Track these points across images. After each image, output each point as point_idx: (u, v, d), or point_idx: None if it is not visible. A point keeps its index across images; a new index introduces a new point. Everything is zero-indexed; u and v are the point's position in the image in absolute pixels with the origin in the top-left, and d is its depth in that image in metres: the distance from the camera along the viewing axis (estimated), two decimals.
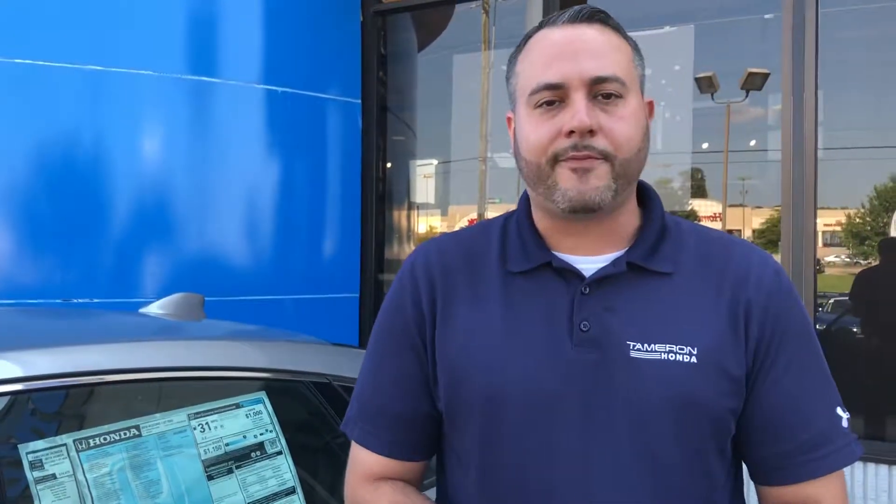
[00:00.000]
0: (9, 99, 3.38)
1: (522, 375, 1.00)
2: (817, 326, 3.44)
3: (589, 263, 1.04)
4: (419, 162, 5.12)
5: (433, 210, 5.24)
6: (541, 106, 1.00)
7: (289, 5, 4.03)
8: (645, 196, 1.10)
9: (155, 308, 2.26)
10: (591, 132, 0.97)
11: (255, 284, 3.82)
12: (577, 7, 1.03)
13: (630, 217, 1.07)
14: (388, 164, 4.76)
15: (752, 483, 1.08)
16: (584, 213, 0.99)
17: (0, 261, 3.35)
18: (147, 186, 3.59)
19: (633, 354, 0.98)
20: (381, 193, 4.63)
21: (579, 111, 0.97)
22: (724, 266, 1.04)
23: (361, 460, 1.13)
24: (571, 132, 0.97)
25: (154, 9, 3.61)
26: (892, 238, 3.84)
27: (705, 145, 4.52)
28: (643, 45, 1.08)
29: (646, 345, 0.98)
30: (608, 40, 1.01)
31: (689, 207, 4.72)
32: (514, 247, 1.08)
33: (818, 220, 3.47)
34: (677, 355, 0.97)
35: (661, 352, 0.98)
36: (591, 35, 1.01)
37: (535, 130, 1.00)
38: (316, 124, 4.12)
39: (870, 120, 4.06)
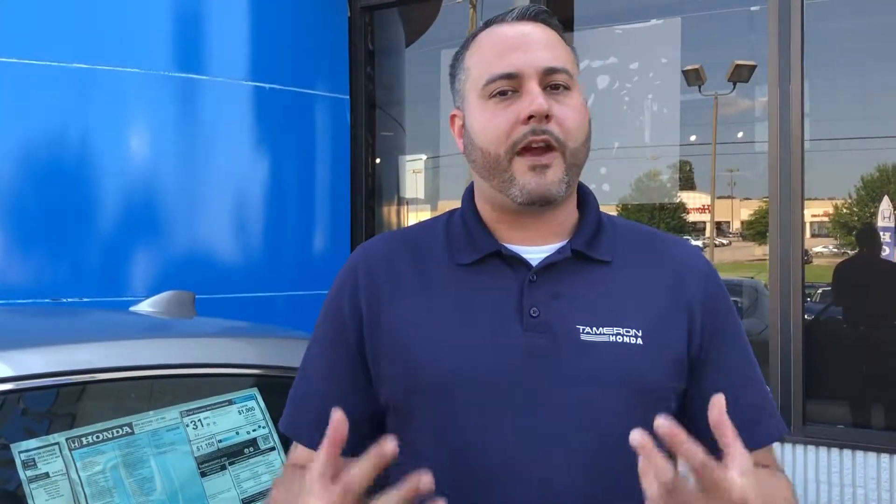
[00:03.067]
0: None
1: (474, 361, 1.02)
2: (805, 316, 3.47)
3: (535, 253, 1.07)
4: (408, 157, 5.12)
5: (423, 205, 5.24)
6: (495, 96, 1.04)
7: (276, 1, 4.02)
8: (582, 194, 1.15)
9: (146, 306, 2.25)
10: (548, 117, 1.01)
11: (246, 282, 3.81)
12: (523, 6, 1.09)
13: (573, 210, 1.12)
14: (377, 160, 4.76)
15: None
16: (540, 205, 1.04)
17: None
18: (135, 184, 3.57)
19: (584, 338, 1.02)
20: (370, 189, 4.63)
21: (537, 97, 1.01)
22: (661, 257, 1.11)
23: (293, 451, 1.16)
24: (530, 118, 1.00)
25: (140, 6, 3.59)
26: (870, 227, 3.87)
27: (693, 137, 4.53)
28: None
29: (594, 328, 1.02)
30: (554, 37, 1.08)
31: (678, 199, 4.73)
32: (460, 239, 1.10)
33: (806, 211, 3.50)
34: (624, 337, 1.02)
35: (609, 334, 1.02)
36: (540, 31, 1.07)
37: (492, 120, 1.04)
38: (304, 121, 4.11)
39: (856, 110, 4.09)
